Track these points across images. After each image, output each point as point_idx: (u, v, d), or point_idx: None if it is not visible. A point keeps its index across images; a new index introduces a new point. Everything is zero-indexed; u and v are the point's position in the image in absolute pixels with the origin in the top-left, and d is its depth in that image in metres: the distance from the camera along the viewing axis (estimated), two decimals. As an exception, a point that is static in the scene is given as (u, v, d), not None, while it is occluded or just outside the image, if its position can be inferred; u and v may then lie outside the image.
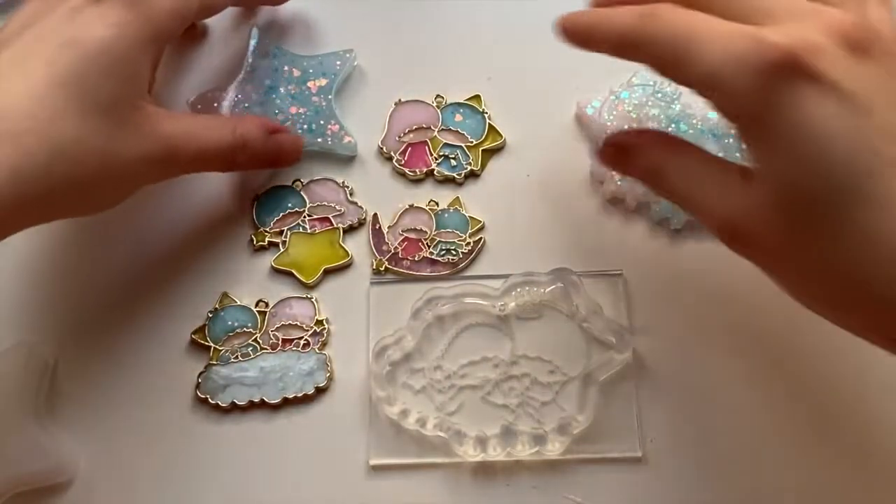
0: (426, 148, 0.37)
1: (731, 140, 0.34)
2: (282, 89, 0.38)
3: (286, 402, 0.33)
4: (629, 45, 0.26)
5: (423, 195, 0.36)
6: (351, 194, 0.36)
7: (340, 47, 0.39)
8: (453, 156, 0.36)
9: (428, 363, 0.33)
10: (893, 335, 0.24)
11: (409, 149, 0.37)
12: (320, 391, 0.33)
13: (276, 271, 0.35)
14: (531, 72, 0.38)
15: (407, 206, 0.36)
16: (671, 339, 0.33)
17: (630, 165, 0.30)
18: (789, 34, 0.23)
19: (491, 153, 0.37)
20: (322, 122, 0.37)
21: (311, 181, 0.37)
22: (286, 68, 0.38)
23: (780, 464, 0.31)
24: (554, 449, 0.31)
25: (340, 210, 0.36)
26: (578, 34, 0.28)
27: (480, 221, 0.35)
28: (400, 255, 0.35)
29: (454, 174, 0.36)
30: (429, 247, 0.35)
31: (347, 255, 0.35)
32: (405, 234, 0.35)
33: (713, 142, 0.34)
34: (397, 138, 0.37)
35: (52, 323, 0.35)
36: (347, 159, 0.37)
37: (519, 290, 0.33)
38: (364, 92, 0.39)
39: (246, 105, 0.37)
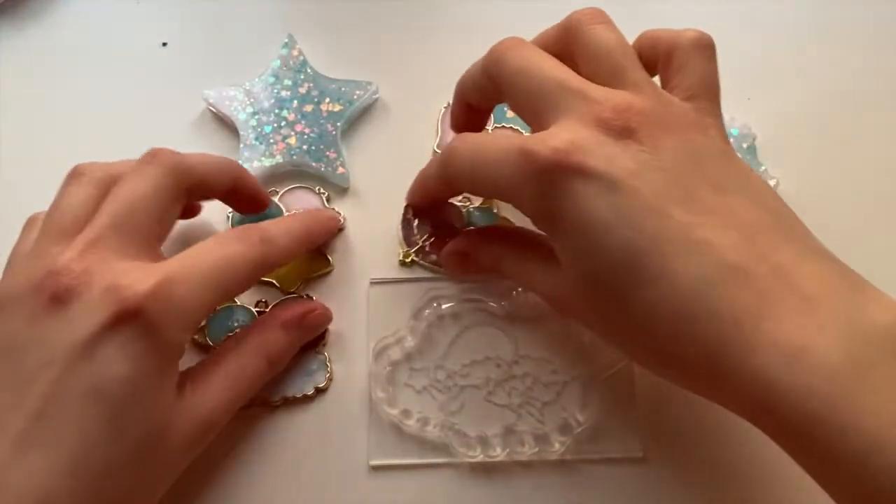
0: None
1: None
2: (295, 102, 0.38)
3: (286, 402, 0.33)
4: (447, 185, 0.31)
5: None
6: (328, 200, 0.36)
7: (366, 78, 0.39)
8: None
9: (429, 363, 0.33)
10: (678, 379, 0.27)
11: None
12: (320, 391, 0.33)
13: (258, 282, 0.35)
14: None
15: None
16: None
17: (473, 268, 0.33)
18: (552, 140, 0.26)
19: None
20: (322, 146, 0.37)
21: (287, 190, 0.37)
22: (307, 85, 0.38)
23: (779, 464, 0.31)
24: (555, 449, 0.31)
25: None
26: (418, 200, 0.34)
27: (509, 221, 0.35)
28: (427, 250, 0.35)
29: None
30: None
31: (329, 264, 0.35)
32: (434, 230, 0.35)
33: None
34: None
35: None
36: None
37: (521, 289, 0.33)
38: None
39: (254, 112, 0.38)
